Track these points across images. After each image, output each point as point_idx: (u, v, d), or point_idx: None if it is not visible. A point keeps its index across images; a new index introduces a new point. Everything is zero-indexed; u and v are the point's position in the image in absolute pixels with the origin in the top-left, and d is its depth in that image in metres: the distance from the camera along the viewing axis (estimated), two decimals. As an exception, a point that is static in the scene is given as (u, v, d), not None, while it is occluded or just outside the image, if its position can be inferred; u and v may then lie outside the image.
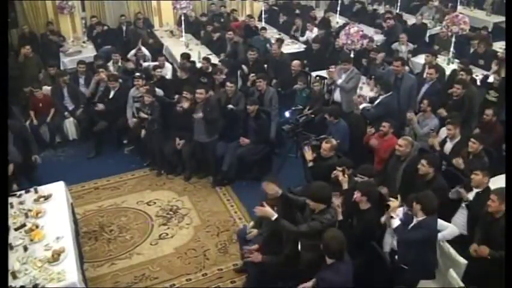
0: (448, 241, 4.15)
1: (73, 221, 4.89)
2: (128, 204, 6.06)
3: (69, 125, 7.45)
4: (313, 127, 6.28)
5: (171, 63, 8.74)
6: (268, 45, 9.23)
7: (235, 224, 5.66)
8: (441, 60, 8.00)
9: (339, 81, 6.87)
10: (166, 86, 7.38)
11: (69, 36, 10.35)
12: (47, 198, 4.93)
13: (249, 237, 4.59)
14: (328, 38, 9.53)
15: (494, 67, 7.21)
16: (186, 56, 8.11)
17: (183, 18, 10.17)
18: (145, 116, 6.54)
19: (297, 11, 11.60)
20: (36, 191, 5.01)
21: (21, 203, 4.84)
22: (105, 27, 10.50)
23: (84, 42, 10.18)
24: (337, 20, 11.07)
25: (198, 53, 8.99)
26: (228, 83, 6.76)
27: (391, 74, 6.77)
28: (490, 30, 10.34)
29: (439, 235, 4.06)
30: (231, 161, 6.29)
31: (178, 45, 9.85)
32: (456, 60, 7.95)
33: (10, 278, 3.81)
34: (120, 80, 7.36)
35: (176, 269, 5.01)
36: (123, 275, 4.94)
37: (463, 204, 4.47)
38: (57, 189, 5.09)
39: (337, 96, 7.05)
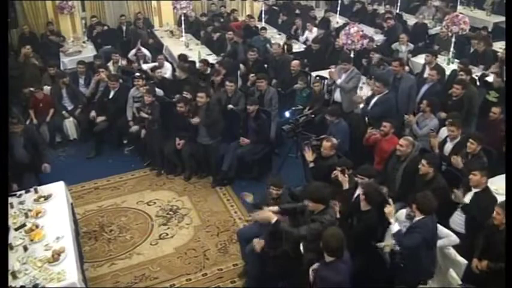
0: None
1: (73, 221, 4.89)
2: (128, 204, 6.06)
3: (69, 125, 7.45)
4: (313, 127, 6.28)
5: (171, 63, 8.74)
6: (268, 45, 9.23)
7: (235, 224, 5.66)
8: (441, 60, 7.99)
9: (339, 81, 6.87)
10: (166, 86, 7.39)
11: (69, 36, 10.35)
12: (47, 198, 4.93)
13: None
14: (328, 38, 9.53)
15: (494, 69, 7.16)
16: (183, 58, 8.14)
17: (183, 18, 10.17)
18: (146, 116, 6.55)
19: (297, 11, 11.60)
20: (36, 191, 5.02)
21: (21, 203, 4.85)
22: (105, 27, 10.50)
23: (84, 42, 10.18)
24: (337, 20, 11.07)
25: (198, 53, 9.00)
26: (227, 82, 6.77)
27: (391, 74, 6.77)
28: (490, 30, 10.33)
29: (439, 241, 4.04)
30: (231, 161, 6.28)
31: (178, 45, 9.86)
32: (456, 60, 7.95)
33: (10, 278, 3.81)
34: (121, 80, 7.36)
35: (176, 269, 5.01)
36: (123, 275, 4.94)
37: (459, 209, 4.46)
38: (57, 189, 5.09)
39: (337, 96, 7.06)
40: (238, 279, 4.85)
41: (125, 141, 7.26)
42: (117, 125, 7.15)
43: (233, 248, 5.24)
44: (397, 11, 11.64)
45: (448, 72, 7.45)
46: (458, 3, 11.46)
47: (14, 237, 4.31)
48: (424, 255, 3.93)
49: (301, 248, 3.99)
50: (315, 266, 3.65)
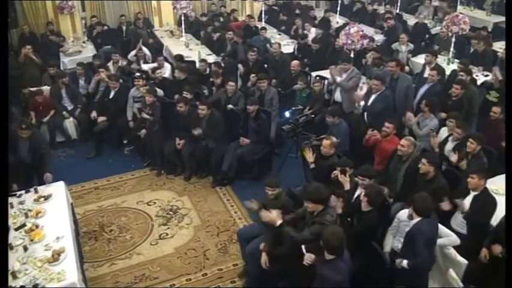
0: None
1: (73, 221, 4.89)
2: (128, 204, 6.05)
3: (69, 125, 7.44)
4: (313, 127, 6.28)
5: (171, 64, 8.74)
6: (268, 45, 9.23)
7: (235, 224, 5.66)
8: (441, 60, 7.99)
9: (339, 79, 6.86)
10: (166, 86, 7.39)
11: (69, 36, 10.34)
12: (47, 198, 4.93)
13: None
14: (328, 38, 9.53)
15: (496, 73, 7.06)
16: (179, 58, 8.14)
17: (183, 18, 10.17)
18: (148, 116, 6.55)
19: (297, 11, 11.60)
20: (36, 191, 5.01)
21: (21, 203, 4.84)
22: (105, 27, 10.50)
23: (84, 42, 10.18)
24: (337, 20, 11.07)
25: (198, 53, 8.99)
26: (229, 82, 6.78)
27: (388, 75, 6.75)
28: (490, 30, 10.33)
29: (439, 240, 4.03)
30: (231, 161, 6.28)
31: (178, 45, 9.85)
32: (456, 60, 7.95)
33: (10, 278, 3.81)
34: (121, 80, 7.36)
35: (176, 269, 5.01)
36: (123, 275, 4.94)
37: (461, 214, 4.43)
38: (57, 189, 5.09)
39: (337, 96, 7.05)
40: (238, 279, 4.85)
41: (125, 141, 7.26)
42: (117, 125, 7.15)
43: (233, 248, 5.24)
44: (397, 11, 11.63)
45: (448, 72, 7.44)
46: (458, 3, 11.45)
47: (14, 237, 4.30)
48: (424, 255, 3.92)
49: (303, 248, 3.99)
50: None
